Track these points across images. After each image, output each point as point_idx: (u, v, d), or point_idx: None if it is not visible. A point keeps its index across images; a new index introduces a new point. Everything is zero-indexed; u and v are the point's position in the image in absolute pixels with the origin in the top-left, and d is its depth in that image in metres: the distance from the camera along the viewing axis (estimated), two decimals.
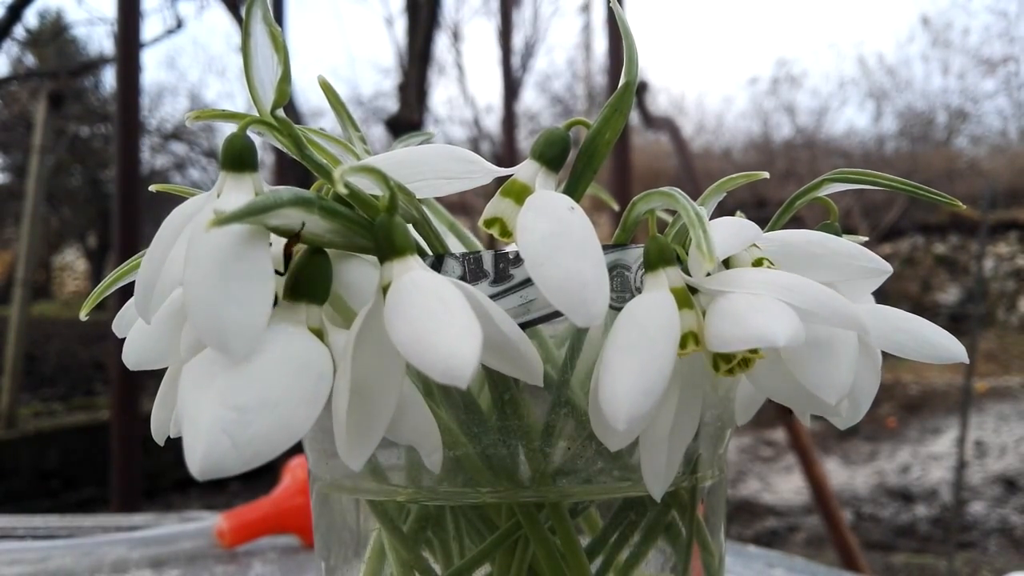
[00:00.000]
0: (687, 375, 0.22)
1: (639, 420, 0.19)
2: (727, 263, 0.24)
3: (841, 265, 0.23)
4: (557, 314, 0.20)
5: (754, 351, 0.21)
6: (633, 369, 0.19)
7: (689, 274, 0.22)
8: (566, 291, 0.19)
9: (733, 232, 0.22)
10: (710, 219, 0.23)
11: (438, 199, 0.32)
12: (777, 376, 0.23)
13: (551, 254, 0.20)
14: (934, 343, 0.24)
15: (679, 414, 0.22)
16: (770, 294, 0.20)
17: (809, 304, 0.20)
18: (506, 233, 0.26)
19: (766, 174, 0.27)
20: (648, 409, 0.19)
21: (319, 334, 0.20)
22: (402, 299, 0.19)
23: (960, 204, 0.26)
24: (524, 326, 0.23)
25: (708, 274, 0.22)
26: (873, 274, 0.23)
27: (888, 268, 0.23)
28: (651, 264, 0.22)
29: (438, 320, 0.18)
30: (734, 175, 0.27)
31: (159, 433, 0.24)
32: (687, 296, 0.22)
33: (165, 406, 0.24)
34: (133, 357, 0.24)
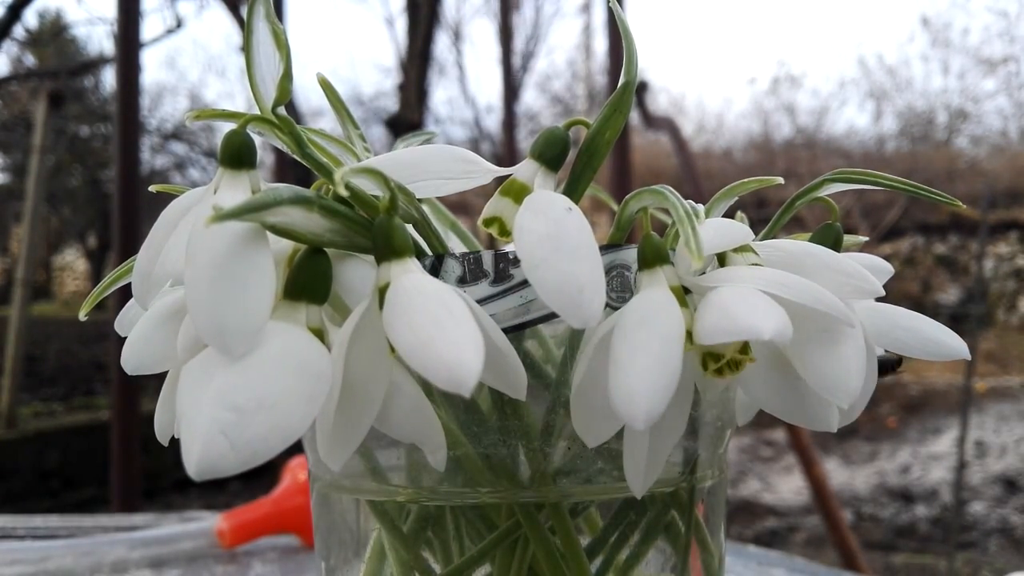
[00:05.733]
0: None
1: (655, 420, 0.19)
2: (721, 265, 0.24)
3: (837, 283, 0.23)
4: (557, 314, 0.20)
5: (744, 352, 0.21)
6: (650, 368, 0.19)
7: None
8: (562, 293, 0.19)
9: (723, 231, 0.22)
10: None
11: (438, 198, 0.32)
12: (769, 386, 0.23)
13: (547, 256, 0.20)
14: (935, 340, 0.24)
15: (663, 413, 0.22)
16: (758, 287, 0.20)
17: (798, 297, 0.20)
18: (505, 232, 0.26)
19: (780, 180, 0.26)
20: (664, 408, 0.19)
21: (319, 334, 0.20)
22: (404, 302, 0.19)
23: (960, 204, 0.26)
24: (524, 326, 0.23)
25: (702, 273, 0.22)
26: (866, 294, 0.23)
27: (880, 290, 0.23)
28: (647, 262, 0.22)
29: (442, 326, 0.18)
30: (746, 179, 0.27)
31: (163, 435, 0.24)
32: (683, 295, 0.21)
33: (167, 408, 0.24)
34: (132, 361, 0.24)
